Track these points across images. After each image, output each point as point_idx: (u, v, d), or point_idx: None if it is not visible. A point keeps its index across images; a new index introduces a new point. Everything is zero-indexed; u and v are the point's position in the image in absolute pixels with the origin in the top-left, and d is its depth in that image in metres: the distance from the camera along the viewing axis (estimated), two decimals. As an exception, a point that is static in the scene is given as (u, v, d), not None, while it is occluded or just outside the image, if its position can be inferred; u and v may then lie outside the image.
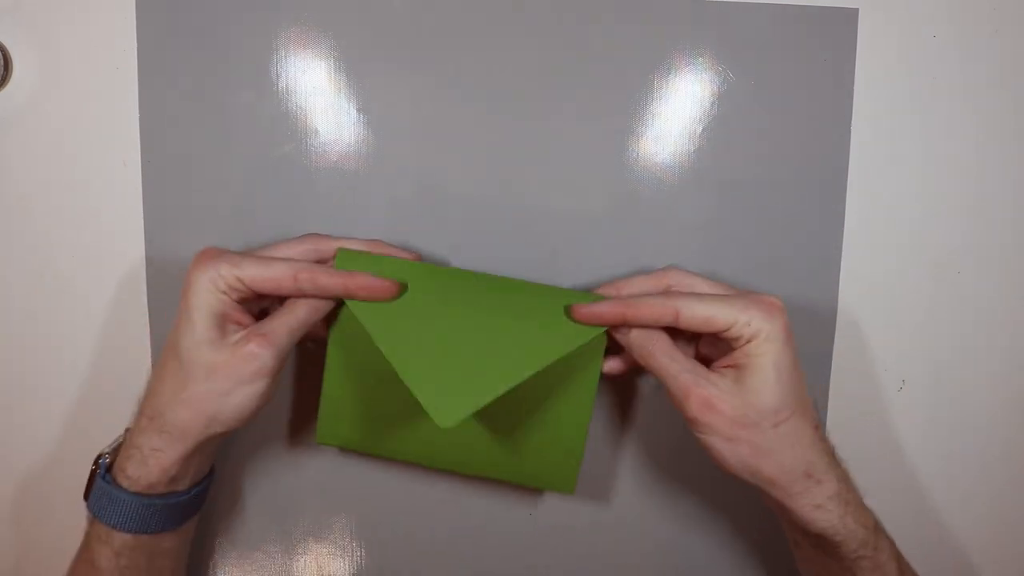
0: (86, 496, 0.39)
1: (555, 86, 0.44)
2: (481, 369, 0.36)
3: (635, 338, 0.38)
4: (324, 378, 0.40)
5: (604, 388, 0.46)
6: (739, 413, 0.35)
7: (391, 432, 0.42)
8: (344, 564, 0.47)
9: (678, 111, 0.44)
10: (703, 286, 0.39)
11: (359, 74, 0.44)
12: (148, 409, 0.37)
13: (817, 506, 0.36)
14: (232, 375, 0.36)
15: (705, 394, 0.35)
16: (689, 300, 0.37)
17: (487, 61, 0.44)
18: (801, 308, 0.45)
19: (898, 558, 0.38)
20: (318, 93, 0.44)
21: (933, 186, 0.45)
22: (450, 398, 0.35)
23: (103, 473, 0.38)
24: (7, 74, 0.43)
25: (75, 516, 0.47)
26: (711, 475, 0.47)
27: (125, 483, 0.37)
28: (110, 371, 0.45)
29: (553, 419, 0.40)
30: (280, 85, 0.43)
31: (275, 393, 0.38)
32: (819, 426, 0.37)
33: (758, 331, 0.36)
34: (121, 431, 0.46)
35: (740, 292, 0.38)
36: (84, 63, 0.43)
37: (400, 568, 0.48)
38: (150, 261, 0.44)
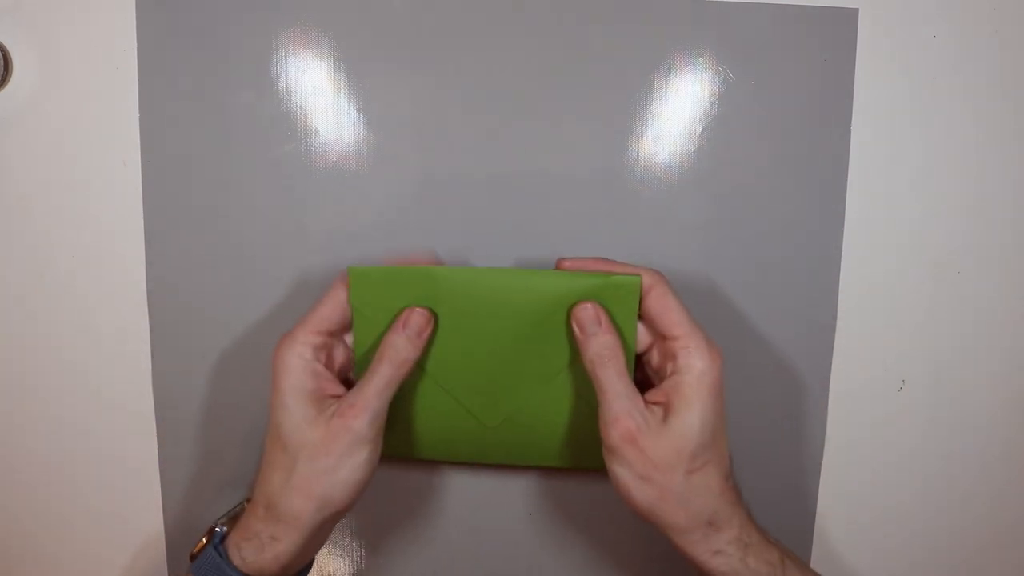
0: (192, 557, 0.40)
1: (555, 86, 0.44)
2: (513, 376, 0.40)
3: (598, 343, 0.37)
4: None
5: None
6: (659, 454, 0.35)
7: (438, 434, 0.43)
8: (344, 564, 0.47)
9: (678, 111, 0.44)
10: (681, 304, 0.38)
11: (359, 74, 0.44)
12: (262, 498, 0.37)
13: (716, 552, 0.36)
14: (333, 450, 0.36)
15: (632, 426, 0.35)
16: (666, 286, 0.37)
17: (487, 61, 0.44)
18: (801, 308, 0.45)
19: None
20: (318, 93, 0.44)
21: (933, 186, 0.45)
22: (490, 400, 0.41)
23: (217, 543, 0.38)
24: (7, 74, 0.43)
25: (66, 513, 0.47)
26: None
27: (237, 562, 0.37)
28: (110, 371, 0.45)
29: (588, 394, 0.39)
30: (280, 85, 0.43)
31: (378, 461, 0.38)
32: (730, 476, 0.37)
33: (693, 364, 0.36)
34: (122, 433, 0.46)
35: (691, 317, 0.38)
36: (84, 63, 0.43)
37: (400, 568, 0.48)
38: (150, 261, 0.44)
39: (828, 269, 0.45)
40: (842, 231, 0.45)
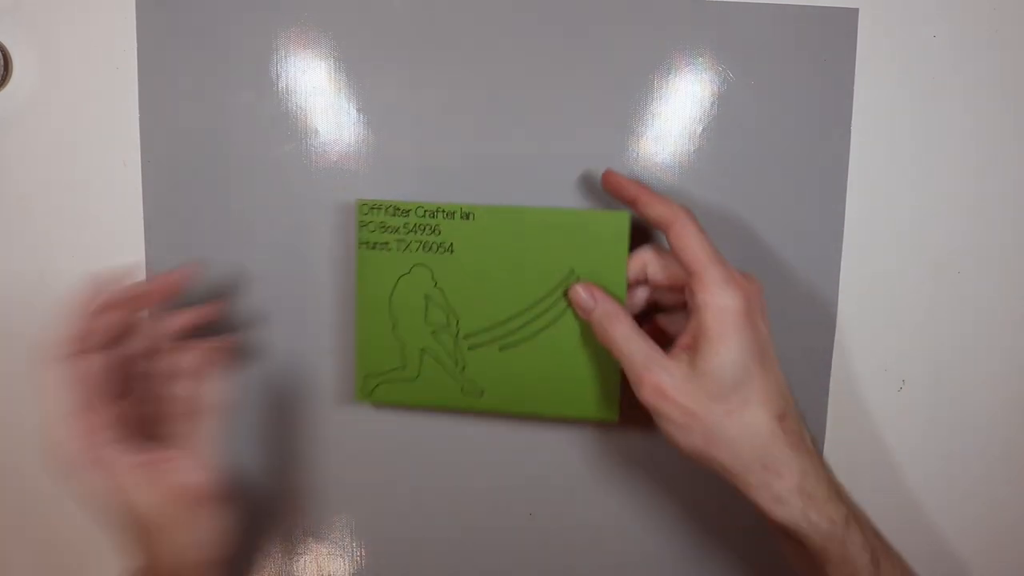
0: None
1: (555, 86, 0.44)
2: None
3: (597, 315, 0.38)
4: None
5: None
6: (690, 400, 0.35)
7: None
8: (344, 564, 0.47)
9: (678, 111, 0.44)
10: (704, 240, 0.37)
11: (359, 74, 0.44)
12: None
13: (776, 498, 0.35)
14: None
15: (656, 380, 0.35)
16: (689, 223, 0.37)
17: (487, 61, 0.44)
18: (801, 308, 0.45)
19: (873, 548, 0.37)
20: (318, 93, 0.44)
21: (933, 186, 0.45)
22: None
23: None
24: (7, 74, 0.43)
25: (66, 512, 0.47)
26: (712, 477, 0.47)
27: None
28: (110, 371, 0.45)
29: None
30: (280, 85, 0.43)
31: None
32: (786, 416, 0.36)
33: (712, 301, 0.35)
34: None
35: (714, 252, 0.37)
36: (84, 63, 0.43)
37: (400, 568, 0.48)
38: (150, 261, 0.44)
39: (828, 269, 0.45)
40: (842, 231, 0.45)
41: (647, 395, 0.36)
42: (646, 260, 0.40)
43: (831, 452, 0.47)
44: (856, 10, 0.44)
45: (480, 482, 0.47)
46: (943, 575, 0.48)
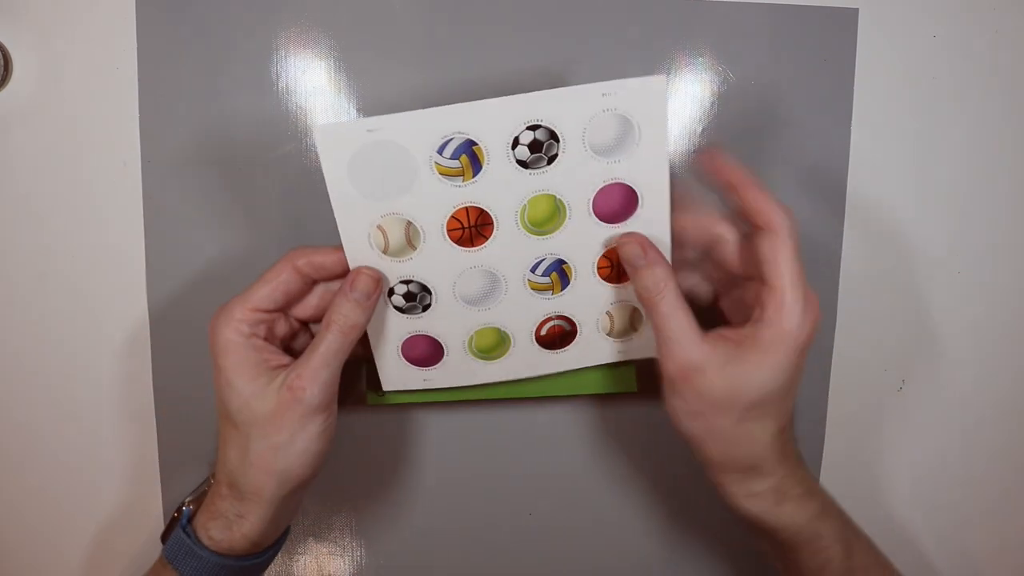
0: (164, 538, 0.40)
1: (555, 86, 0.44)
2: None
3: (645, 279, 0.36)
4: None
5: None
6: (714, 395, 0.34)
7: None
8: (344, 564, 0.47)
9: (678, 111, 0.44)
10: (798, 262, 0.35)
11: (359, 74, 0.44)
12: (223, 476, 0.37)
13: (748, 494, 0.36)
14: (285, 424, 0.35)
15: (687, 363, 0.34)
16: (785, 236, 0.34)
17: (487, 61, 0.44)
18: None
19: (846, 539, 0.37)
20: (318, 93, 0.44)
21: (933, 186, 0.45)
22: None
23: (184, 524, 0.37)
24: (7, 74, 0.43)
25: (67, 512, 0.47)
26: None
27: (206, 541, 0.36)
28: (110, 371, 0.45)
29: None
30: (280, 85, 0.43)
31: (336, 429, 0.37)
32: (785, 429, 0.36)
33: (781, 324, 0.33)
34: (122, 432, 0.46)
35: (801, 274, 0.34)
36: (84, 63, 0.43)
37: (400, 568, 0.48)
38: (150, 261, 0.44)
39: (828, 269, 0.45)
40: (842, 231, 0.45)
41: (672, 371, 0.35)
42: (724, 237, 0.37)
43: (831, 452, 0.47)
44: (856, 10, 0.44)
45: (480, 482, 0.47)
46: (943, 574, 0.48)
